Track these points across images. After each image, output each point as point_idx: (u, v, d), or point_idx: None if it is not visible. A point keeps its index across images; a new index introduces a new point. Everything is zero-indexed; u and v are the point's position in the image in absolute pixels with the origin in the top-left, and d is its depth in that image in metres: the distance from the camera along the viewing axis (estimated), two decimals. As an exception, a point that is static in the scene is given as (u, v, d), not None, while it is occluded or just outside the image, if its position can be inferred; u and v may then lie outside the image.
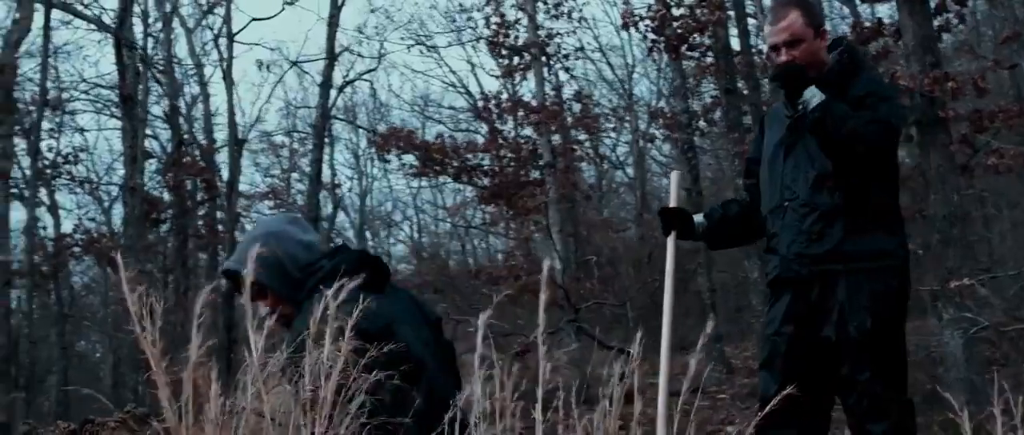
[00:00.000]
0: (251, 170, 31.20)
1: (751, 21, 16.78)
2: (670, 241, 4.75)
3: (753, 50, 15.25)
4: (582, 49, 18.87)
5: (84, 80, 20.61)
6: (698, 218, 4.79)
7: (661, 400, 4.60)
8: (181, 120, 21.31)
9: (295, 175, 28.40)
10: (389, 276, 4.19)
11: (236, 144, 20.69)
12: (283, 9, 23.44)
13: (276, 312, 3.77)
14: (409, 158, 18.57)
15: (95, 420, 4.67)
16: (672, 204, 4.89)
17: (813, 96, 4.22)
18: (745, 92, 15.20)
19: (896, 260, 4.30)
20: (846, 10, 18.84)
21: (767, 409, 4.32)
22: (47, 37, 18.80)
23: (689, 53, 15.45)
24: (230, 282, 3.93)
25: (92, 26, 19.28)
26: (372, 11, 36.06)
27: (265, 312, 3.92)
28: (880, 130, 4.18)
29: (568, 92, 19.11)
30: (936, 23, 11.20)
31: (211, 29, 22.21)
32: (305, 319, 3.56)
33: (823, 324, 4.27)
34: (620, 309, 17.65)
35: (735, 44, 15.36)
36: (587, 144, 19.50)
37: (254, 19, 27.19)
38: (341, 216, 30.49)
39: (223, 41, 21.49)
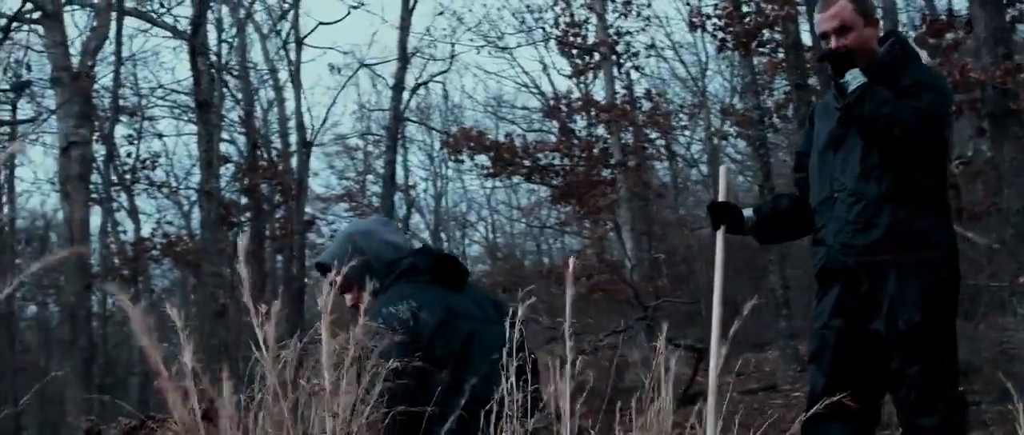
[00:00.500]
0: (327, 173, 31.48)
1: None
2: (719, 236, 4.74)
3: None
4: (653, 46, 18.80)
5: (160, 87, 20.93)
6: (747, 213, 4.79)
7: (710, 399, 4.63)
8: (256, 124, 21.57)
9: (370, 177, 28.62)
10: (465, 275, 4.33)
11: (304, 147, 20.91)
12: (349, 13, 23.45)
13: (359, 305, 3.94)
14: (481, 159, 18.67)
15: (155, 416, 4.78)
16: (721, 198, 4.92)
17: (854, 79, 4.20)
18: (817, 88, 15.09)
19: (943, 250, 4.27)
20: (920, 1, 18.62)
21: (816, 404, 4.42)
22: (119, 43, 19.09)
23: (759, 49, 15.40)
24: (321, 274, 4.13)
25: (168, 34, 19.58)
26: (439, 13, 36.13)
27: (350, 303, 4.11)
28: (919, 117, 4.15)
29: (639, 90, 19.11)
30: (1009, 15, 11.06)
31: (280, 34, 22.45)
32: (377, 309, 3.73)
33: (873, 317, 4.26)
34: (694, 307, 17.60)
35: (806, 39, 15.26)
36: (659, 142, 19.44)
37: (321, 23, 27.07)
38: (417, 218, 30.73)
39: (293, 46, 21.72)
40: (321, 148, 28.24)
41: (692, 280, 19.50)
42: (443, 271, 4.24)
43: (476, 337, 3.98)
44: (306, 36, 21.48)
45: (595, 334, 12.18)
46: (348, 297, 4.15)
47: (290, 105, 24.05)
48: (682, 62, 22.13)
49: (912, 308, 4.17)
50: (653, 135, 18.74)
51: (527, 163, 17.84)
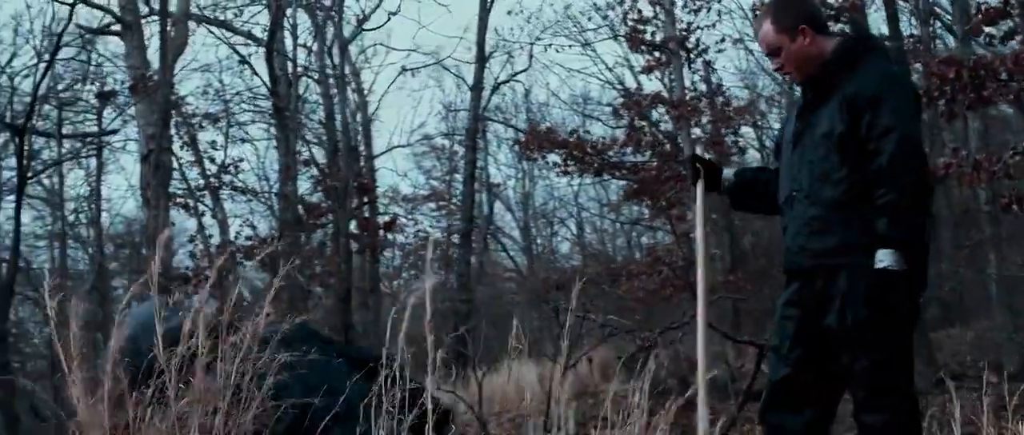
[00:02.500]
0: (415, 173, 31.78)
1: (901, 3, 16.40)
2: (698, 189, 4.78)
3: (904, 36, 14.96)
4: (724, 40, 18.63)
5: (237, 93, 21.30)
6: (727, 173, 4.81)
7: (701, 385, 4.65)
8: (336, 127, 21.83)
9: (458, 176, 28.76)
10: None
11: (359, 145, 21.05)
12: (394, 11, 23.57)
13: None
14: (554, 157, 18.66)
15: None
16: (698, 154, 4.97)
17: (882, 260, 4.11)
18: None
19: None
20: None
21: (775, 394, 4.42)
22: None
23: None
24: None
25: (245, 40, 19.95)
26: (508, 12, 36.27)
27: None
28: (904, 157, 4.07)
29: (711, 84, 18.90)
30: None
31: (339, 35, 22.66)
32: None
33: (826, 312, 4.23)
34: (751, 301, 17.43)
35: (874, 29, 15.03)
36: (734, 135, 19.18)
37: (391, 14, 26.85)
38: (508, 217, 30.84)
39: (377, 48, 22.00)
40: (408, 148, 28.60)
41: (773, 273, 19.31)
42: None
43: None
44: (371, 29, 21.66)
45: (651, 330, 12.11)
46: None
47: (371, 107, 24.45)
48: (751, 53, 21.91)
49: (860, 305, 4.12)
50: (730, 129, 18.47)
51: (598, 160, 17.77)
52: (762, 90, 23.14)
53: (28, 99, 11.37)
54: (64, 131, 19.92)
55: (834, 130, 4.23)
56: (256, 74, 20.60)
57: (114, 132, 18.76)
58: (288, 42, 20.26)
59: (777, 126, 22.99)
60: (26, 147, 14.26)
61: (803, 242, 4.31)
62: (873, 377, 4.13)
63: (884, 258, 4.05)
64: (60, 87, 20.03)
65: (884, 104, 4.12)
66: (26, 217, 22.69)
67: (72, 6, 16.18)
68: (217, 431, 3.26)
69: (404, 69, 26.59)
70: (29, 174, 15.07)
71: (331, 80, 21.65)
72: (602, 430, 4.99)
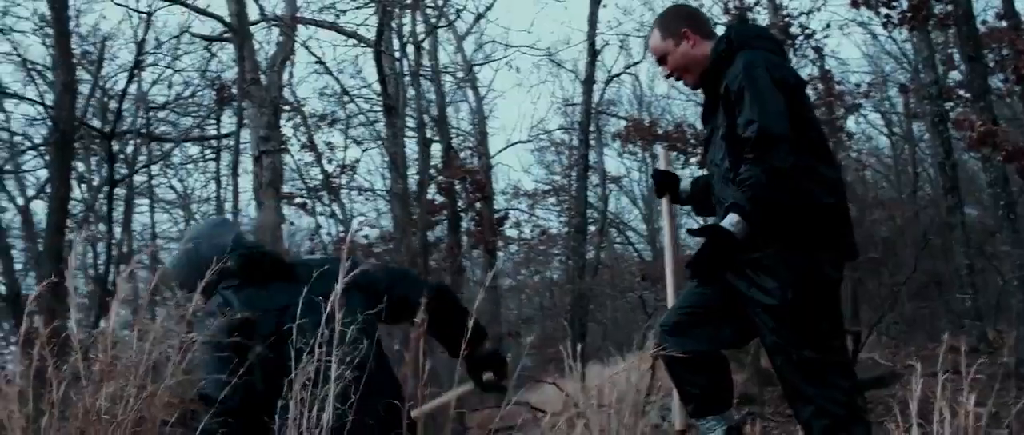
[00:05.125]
0: (537, 168, 31.95)
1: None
2: (665, 203, 4.96)
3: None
4: (829, 26, 18.34)
5: (345, 93, 21.72)
6: (684, 184, 4.90)
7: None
8: (449, 124, 22.16)
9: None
10: (270, 269, 4.43)
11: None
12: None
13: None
14: (659, 148, 18.58)
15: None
16: (661, 166, 5.03)
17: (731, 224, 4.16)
18: (992, 61, 14.50)
19: (796, 245, 4.23)
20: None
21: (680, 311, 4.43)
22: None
23: (928, 24, 14.86)
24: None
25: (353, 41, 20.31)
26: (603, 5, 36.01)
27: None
28: (765, 147, 4.07)
29: (815, 71, 18.58)
30: None
31: (451, 34, 22.89)
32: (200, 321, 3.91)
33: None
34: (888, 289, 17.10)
35: (979, 10, 14.65)
36: (852, 120, 18.88)
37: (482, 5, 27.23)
38: (635, 211, 30.81)
39: (491, 45, 22.21)
40: (527, 144, 28.78)
41: (891, 262, 18.99)
42: (250, 270, 4.37)
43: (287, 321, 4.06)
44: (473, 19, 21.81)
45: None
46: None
47: (486, 104, 24.69)
48: (873, 37, 21.54)
49: (774, 290, 4.20)
50: (831, 115, 18.16)
51: (700, 151, 17.64)
52: (888, 74, 22.82)
53: (119, 104, 11.95)
54: (188, 135, 20.57)
55: (720, 130, 4.32)
56: (357, 75, 20.96)
57: (227, 135, 19.31)
58: (398, 41, 20.52)
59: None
60: (126, 151, 15.03)
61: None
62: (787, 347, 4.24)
63: (727, 217, 4.13)
64: (186, 93, 20.81)
65: (745, 96, 4.16)
66: (157, 218, 23.56)
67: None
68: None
69: (509, 65, 26.71)
70: (118, 177, 15.55)
71: (448, 78, 21.96)
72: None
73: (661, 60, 4.60)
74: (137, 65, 12.74)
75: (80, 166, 20.29)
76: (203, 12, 17.07)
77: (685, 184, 4.90)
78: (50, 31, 13.01)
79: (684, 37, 4.53)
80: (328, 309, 3.39)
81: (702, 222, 4.96)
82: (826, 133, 4.72)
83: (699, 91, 4.67)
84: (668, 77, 4.63)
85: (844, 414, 4.15)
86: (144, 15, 11.49)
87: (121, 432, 3.18)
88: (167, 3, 16.53)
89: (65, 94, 9.34)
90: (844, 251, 4.39)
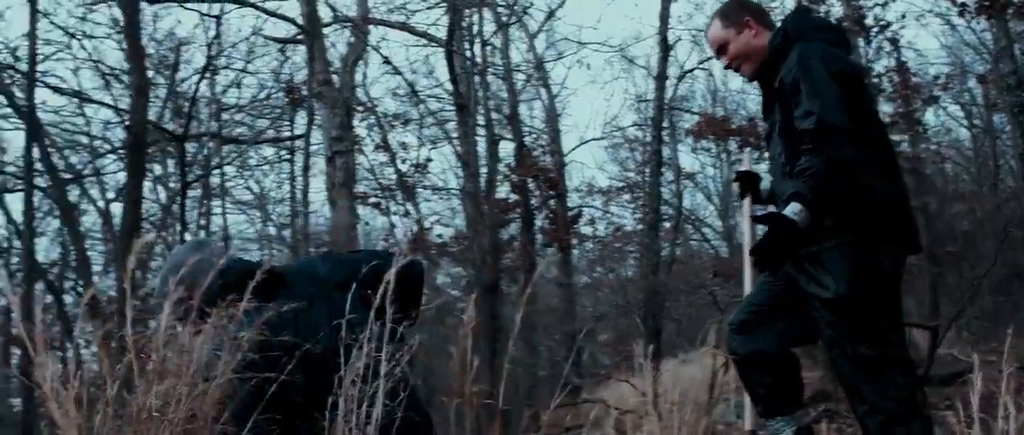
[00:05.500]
0: (611, 165, 31.83)
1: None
2: (745, 204, 4.85)
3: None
4: (904, 16, 18.03)
5: (414, 93, 21.81)
6: (764, 183, 4.81)
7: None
8: (521, 122, 22.17)
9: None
10: (271, 284, 4.35)
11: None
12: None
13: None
14: (732, 144, 18.48)
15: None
16: (744, 167, 4.96)
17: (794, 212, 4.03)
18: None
19: (852, 235, 4.12)
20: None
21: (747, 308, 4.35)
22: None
23: (1006, 12, 14.60)
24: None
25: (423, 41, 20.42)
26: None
27: None
28: (824, 138, 3.96)
29: (891, 63, 18.29)
30: None
31: (523, 33, 22.87)
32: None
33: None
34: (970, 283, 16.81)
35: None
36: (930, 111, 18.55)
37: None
38: (710, 208, 30.59)
39: (563, 43, 22.19)
40: (601, 141, 28.68)
41: (972, 255, 18.68)
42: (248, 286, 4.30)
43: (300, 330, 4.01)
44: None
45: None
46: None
47: (558, 102, 24.67)
48: (952, 28, 21.15)
49: (830, 284, 4.10)
50: (907, 108, 17.85)
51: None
52: (968, 65, 22.41)
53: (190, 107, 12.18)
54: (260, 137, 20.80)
55: (778, 123, 4.23)
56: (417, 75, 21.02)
57: (298, 137, 19.51)
58: (468, 40, 20.59)
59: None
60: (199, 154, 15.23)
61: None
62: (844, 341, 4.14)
63: (788, 207, 4.00)
64: (260, 95, 21.06)
65: (801, 88, 4.06)
66: (236, 219, 23.85)
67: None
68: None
69: (578, 62, 26.66)
70: (190, 179, 15.73)
71: (520, 76, 21.97)
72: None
73: (721, 50, 4.51)
74: (207, 68, 12.88)
75: (158, 169, 20.86)
76: (274, 14, 17.22)
77: (765, 183, 4.82)
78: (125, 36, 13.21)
79: (746, 26, 4.45)
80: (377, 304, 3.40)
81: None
82: (903, 126, 4.60)
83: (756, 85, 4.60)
84: (727, 67, 4.54)
85: (901, 410, 4.03)
86: (214, 18, 11.64)
87: (172, 430, 3.20)
88: (237, 5, 16.69)
89: (138, 98, 9.47)
90: (905, 244, 4.28)
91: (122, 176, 18.10)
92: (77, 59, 17.92)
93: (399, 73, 20.94)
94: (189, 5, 15.55)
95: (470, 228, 18.74)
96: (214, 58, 13.11)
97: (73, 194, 19.40)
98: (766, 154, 4.92)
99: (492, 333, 14.76)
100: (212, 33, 14.82)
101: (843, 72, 4.14)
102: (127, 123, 10.18)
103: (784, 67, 4.19)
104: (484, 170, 20.70)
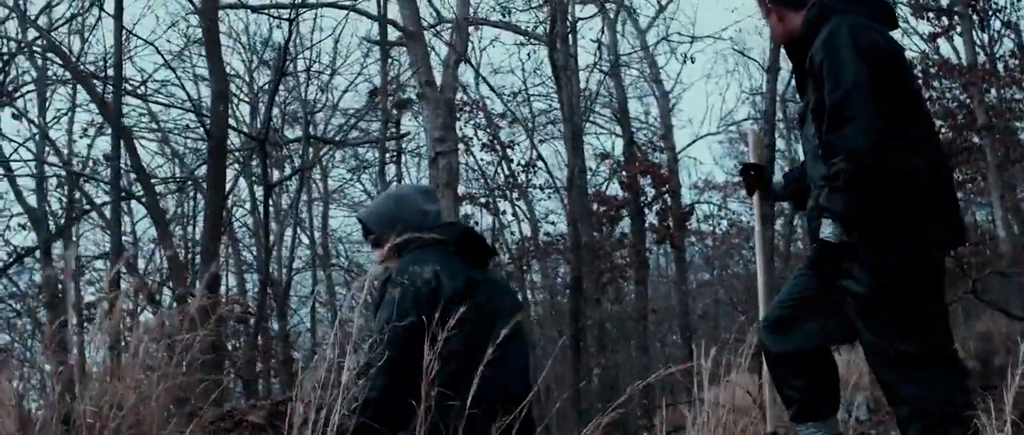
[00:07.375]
0: (728, 160, 31.39)
1: None
2: (756, 200, 4.64)
3: None
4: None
5: (516, 93, 21.79)
6: (776, 178, 4.59)
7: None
8: (631, 118, 21.98)
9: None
10: (488, 254, 4.51)
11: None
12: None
13: (384, 262, 4.31)
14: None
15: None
16: (751, 160, 4.71)
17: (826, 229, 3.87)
18: None
19: (890, 230, 3.84)
20: None
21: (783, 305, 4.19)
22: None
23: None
24: (363, 233, 4.60)
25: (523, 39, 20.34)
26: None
27: (378, 260, 4.44)
28: (846, 118, 3.71)
29: (1007, 47, 17.68)
30: None
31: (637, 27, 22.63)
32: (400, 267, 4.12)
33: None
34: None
35: None
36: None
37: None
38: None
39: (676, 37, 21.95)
40: (717, 136, 28.32)
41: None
42: (467, 246, 4.39)
43: (495, 317, 4.04)
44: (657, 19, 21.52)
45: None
46: (376, 254, 4.43)
47: (672, 100, 24.38)
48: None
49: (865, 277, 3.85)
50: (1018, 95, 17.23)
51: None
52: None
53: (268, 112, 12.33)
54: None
55: (811, 103, 3.98)
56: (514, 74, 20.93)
57: (397, 137, 19.53)
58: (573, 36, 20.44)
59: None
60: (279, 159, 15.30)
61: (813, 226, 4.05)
62: (881, 341, 3.88)
63: (824, 228, 3.81)
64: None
65: (827, 68, 3.80)
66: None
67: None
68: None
69: (673, 53, 26.47)
70: (273, 181, 15.84)
71: (633, 71, 21.77)
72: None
73: (772, 35, 4.35)
74: (281, 69, 13.06)
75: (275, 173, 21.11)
76: (374, 17, 17.28)
77: (777, 178, 4.63)
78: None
79: (774, 12, 4.23)
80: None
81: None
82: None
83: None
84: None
85: (944, 414, 3.74)
86: (292, 19, 11.70)
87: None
88: (347, 9, 16.83)
89: (217, 102, 9.63)
90: (950, 230, 3.96)
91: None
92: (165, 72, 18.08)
93: (510, 72, 20.92)
94: (273, 12, 15.73)
95: (570, 225, 18.54)
96: (287, 59, 13.25)
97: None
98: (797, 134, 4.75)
99: (575, 333, 14.59)
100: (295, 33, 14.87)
101: (876, 47, 3.84)
102: (205, 127, 10.36)
103: (816, 44, 3.91)
104: (592, 167, 20.59)
